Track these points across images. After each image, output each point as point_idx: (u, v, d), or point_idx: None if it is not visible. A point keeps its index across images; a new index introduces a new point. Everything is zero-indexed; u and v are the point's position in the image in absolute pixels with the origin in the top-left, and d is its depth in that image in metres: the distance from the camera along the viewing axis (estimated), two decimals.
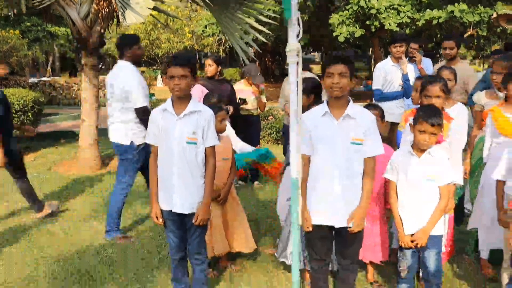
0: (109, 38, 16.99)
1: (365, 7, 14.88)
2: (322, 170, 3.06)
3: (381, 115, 3.64)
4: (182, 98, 3.25)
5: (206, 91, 5.58)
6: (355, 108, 3.05)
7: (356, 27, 15.53)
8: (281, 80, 25.62)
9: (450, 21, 15.03)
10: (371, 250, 3.68)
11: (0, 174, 6.31)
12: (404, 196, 3.17)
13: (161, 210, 3.36)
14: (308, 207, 3.10)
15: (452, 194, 3.31)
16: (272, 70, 29.44)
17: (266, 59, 30.49)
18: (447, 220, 3.66)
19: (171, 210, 3.32)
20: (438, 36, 18.54)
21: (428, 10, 15.28)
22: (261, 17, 8.99)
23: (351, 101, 3.06)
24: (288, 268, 3.86)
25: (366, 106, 3.52)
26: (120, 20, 6.63)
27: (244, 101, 6.43)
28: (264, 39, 9.82)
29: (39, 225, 5.34)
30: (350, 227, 3.05)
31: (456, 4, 14.66)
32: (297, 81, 2.48)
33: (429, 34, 19.05)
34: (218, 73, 6.28)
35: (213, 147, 3.32)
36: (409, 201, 3.16)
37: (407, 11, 15.25)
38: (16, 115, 8.64)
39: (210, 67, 6.22)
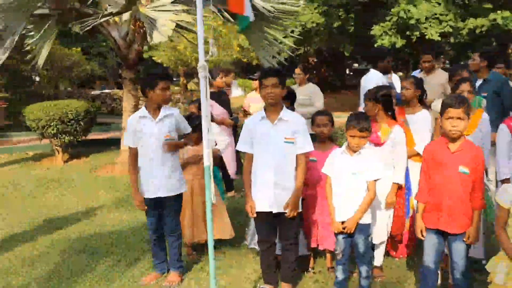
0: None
1: (405, 17, 15.07)
2: (261, 164, 3.69)
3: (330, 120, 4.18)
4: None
5: (214, 103, 6.23)
6: (288, 113, 3.66)
7: (398, 38, 15.72)
8: (339, 91, 25.90)
9: (494, 29, 14.89)
10: (327, 239, 4.19)
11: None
12: (337, 188, 3.69)
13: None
14: (253, 196, 3.73)
15: (374, 188, 3.72)
16: (329, 80, 29.58)
17: (323, 69, 30.96)
18: (391, 215, 4.13)
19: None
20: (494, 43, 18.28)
21: (471, 18, 15.21)
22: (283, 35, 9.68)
23: (284, 107, 3.67)
24: (256, 252, 4.45)
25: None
26: (148, 39, 7.49)
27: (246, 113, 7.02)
28: (290, 52, 10.46)
29: (69, 220, 6.24)
30: (286, 213, 3.64)
31: (498, 12, 14.53)
32: (205, 92, 3.14)
33: (483, 43, 18.76)
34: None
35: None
36: (340, 192, 3.67)
37: (449, 20, 15.26)
38: (70, 123, 9.76)
39: (222, 79, 6.83)
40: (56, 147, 10.12)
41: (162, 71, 4.46)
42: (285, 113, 3.67)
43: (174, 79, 30.51)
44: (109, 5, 7.28)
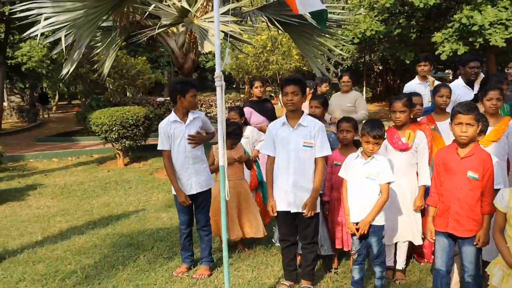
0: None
1: (468, 23, 14.70)
2: (281, 167, 3.94)
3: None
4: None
5: (254, 112, 6.47)
6: (307, 118, 3.88)
7: (460, 44, 15.33)
8: None
9: None
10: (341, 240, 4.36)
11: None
12: (352, 190, 3.86)
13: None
14: (274, 196, 3.98)
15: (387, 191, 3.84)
16: (394, 88, 29.06)
17: (388, 78, 30.51)
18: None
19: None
20: None
21: None
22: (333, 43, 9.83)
23: (304, 113, 3.89)
24: None
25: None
26: (199, 48, 7.93)
27: None
28: (340, 61, 10.54)
29: (123, 217, 6.75)
30: (304, 213, 3.86)
31: None
32: (221, 100, 3.41)
33: None
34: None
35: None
36: (355, 195, 3.83)
37: None
38: (130, 128, 10.43)
39: (256, 89, 6.92)
40: (118, 151, 10.83)
41: (191, 80, 4.79)
42: (304, 118, 3.89)
43: (241, 86, 31.29)
44: (164, 17, 7.78)
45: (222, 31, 7.71)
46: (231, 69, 18.29)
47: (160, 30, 7.93)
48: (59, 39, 7.70)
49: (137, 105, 13.43)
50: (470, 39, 15.16)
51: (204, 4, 8.61)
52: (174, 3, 8.06)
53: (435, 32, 16.11)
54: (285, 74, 17.49)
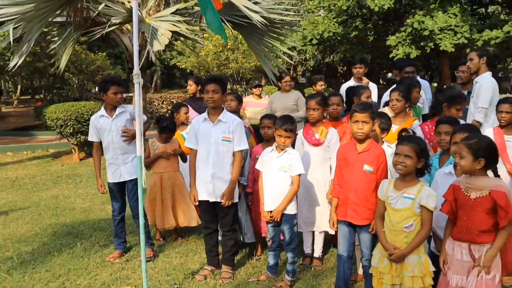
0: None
1: (419, 28, 15.32)
2: (202, 159, 4.26)
3: None
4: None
5: (190, 109, 6.73)
6: (227, 115, 4.21)
7: (412, 48, 15.96)
8: None
9: (509, 41, 14.94)
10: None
11: None
12: (266, 181, 4.19)
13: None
14: (196, 187, 4.30)
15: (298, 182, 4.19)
16: None
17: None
18: None
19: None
20: None
21: (486, 30, 15.30)
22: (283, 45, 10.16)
23: (224, 110, 4.22)
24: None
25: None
26: (148, 47, 8.16)
27: None
28: (289, 60, 10.92)
29: (68, 209, 6.94)
30: (222, 202, 4.19)
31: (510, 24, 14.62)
32: (139, 97, 3.71)
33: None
34: (198, 91, 7.21)
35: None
36: (269, 185, 4.16)
37: (464, 31, 15.40)
38: (85, 123, 10.52)
39: (191, 87, 7.16)
40: (73, 146, 10.95)
41: (113, 78, 5.04)
42: (224, 115, 4.23)
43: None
44: (114, 16, 7.97)
45: (170, 31, 8.01)
46: (192, 67, 18.51)
47: (111, 28, 8.11)
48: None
49: (99, 101, 13.52)
50: (422, 44, 15.81)
51: (157, 3, 8.86)
52: (123, 3, 8.26)
53: (390, 36, 16.71)
54: (245, 73, 17.82)
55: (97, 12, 8.48)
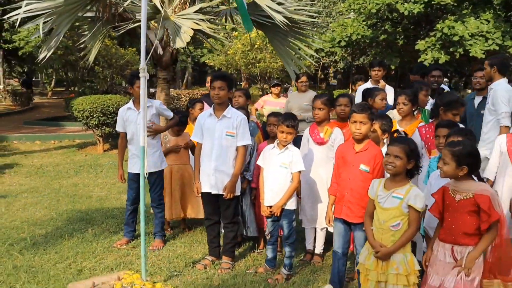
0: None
1: (449, 33, 15.11)
2: (206, 153, 4.39)
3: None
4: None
5: (206, 105, 6.90)
6: (231, 111, 4.33)
7: (441, 53, 15.74)
8: None
9: None
10: None
11: None
12: (267, 177, 4.29)
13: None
14: (200, 179, 4.43)
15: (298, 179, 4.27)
16: None
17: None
18: None
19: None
20: None
21: None
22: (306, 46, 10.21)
23: (229, 106, 4.34)
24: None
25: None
26: (171, 44, 8.36)
27: None
28: (313, 62, 10.95)
29: (85, 196, 7.20)
30: (223, 194, 4.31)
31: None
32: (144, 89, 3.86)
33: None
34: None
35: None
36: (269, 181, 4.26)
37: (496, 38, 15.12)
38: (110, 116, 10.86)
39: (209, 84, 7.43)
40: (98, 137, 11.28)
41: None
42: (229, 111, 4.35)
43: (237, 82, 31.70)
44: (137, 13, 8.20)
45: (193, 29, 8.19)
46: (221, 65, 18.71)
47: (135, 24, 8.35)
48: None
49: (128, 94, 13.86)
50: (451, 49, 15.58)
51: (183, 0, 9.06)
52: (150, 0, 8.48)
53: (419, 40, 16.53)
54: (272, 73, 17.92)
55: (121, 8, 8.75)
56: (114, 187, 7.73)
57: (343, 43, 17.69)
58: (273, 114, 4.91)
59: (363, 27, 17.36)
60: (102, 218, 5.93)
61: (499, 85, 5.28)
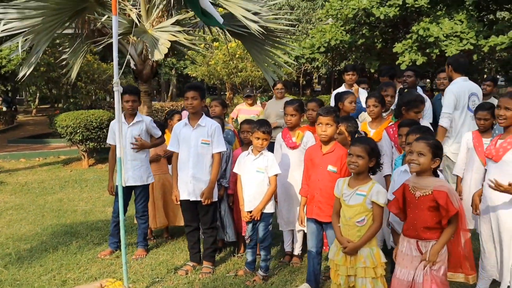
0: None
1: (424, 35, 15.46)
2: (183, 161, 4.54)
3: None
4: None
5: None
6: (206, 119, 4.50)
7: (418, 55, 16.08)
8: None
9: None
10: None
11: None
12: (245, 183, 4.45)
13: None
14: (178, 187, 4.58)
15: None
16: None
17: (365, 85, 31.29)
18: None
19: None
20: None
21: (493, 36, 15.36)
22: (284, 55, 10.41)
23: (203, 115, 4.50)
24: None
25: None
26: (149, 56, 8.53)
27: None
28: (291, 69, 11.17)
29: (70, 211, 7.29)
30: (202, 201, 4.46)
31: None
32: (118, 103, 4.01)
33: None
34: None
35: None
36: (248, 187, 4.42)
37: (470, 38, 15.48)
38: (94, 131, 10.96)
39: None
40: (82, 152, 11.36)
41: (126, 87, 5.33)
42: (203, 120, 4.51)
43: (222, 93, 31.92)
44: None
45: (170, 41, 8.35)
46: (203, 75, 18.91)
47: (112, 39, 8.48)
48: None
49: (112, 109, 13.94)
50: (428, 50, 15.92)
51: (160, 14, 9.23)
52: (129, 15, 8.64)
53: (396, 43, 16.87)
54: (254, 81, 18.12)
55: (98, 24, 8.90)
56: (99, 201, 7.83)
57: (322, 49, 18.02)
58: (246, 121, 5.08)
59: (341, 32, 17.69)
60: (87, 231, 6.03)
61: (452, 84, 5.55)
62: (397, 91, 5.77)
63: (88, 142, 11.05)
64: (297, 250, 4.94)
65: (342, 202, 3.45)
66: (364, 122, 5.05)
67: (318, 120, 3.95)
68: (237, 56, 17.47)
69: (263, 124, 4.35)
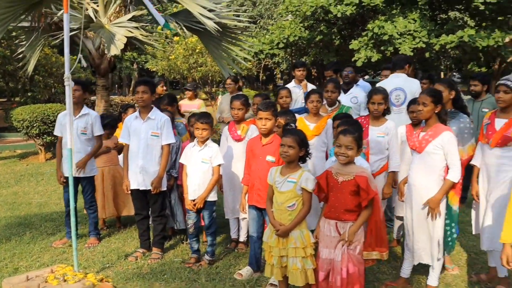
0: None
1: (379, 33, 15.98)
2: (134, 152, 4.78)
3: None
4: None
5: None
6: (156, 112, 4.73)
7: (374, 52, 16.61)
8: None
9: (463, 45, 15.67)
10: None
11: None
12: (190, 173, 4.70)
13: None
14: (129, 177, 4.80)
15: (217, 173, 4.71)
16: None
17: (324, 80, 31.95)
18: None
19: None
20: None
21: (443, 35, 16.02)
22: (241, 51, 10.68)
23: (154, 108, 4.74)
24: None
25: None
26: (106, 51, 8.64)
27: None
28: (247, 65, 11.44)
29: (25, 203, 7.37)
30: (151, 190, 4.70)
31: (465, 30, 15.36)
32: (69, 97, 4.20)
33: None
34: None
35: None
36: (192, 176, 4.67)
37: (422, 36, 16.09)
38: (51, 124, 10.93)
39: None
40: (39, 146, 11.35)
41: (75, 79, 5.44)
42: (153, 113, 4.75)
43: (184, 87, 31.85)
44: (73, 22, 8.44)
45: (126, 36, 8.50)
46: (164, 70, 18.94)
47: (70, 33, 8.56)
48: None
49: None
50: (382, 48, 16.46)
51: (118, 9, 9.34)
52: (86, 8, 8.73)
53: (353, 40, 17.36)
54: (215, 76, 18.30)
55: (54, 18, 8.95)
56: (55, 194, 7.93)
57: (281, 45, 18.35)
58: (193, 115, 5.32)
59: (300, 28, 18.06)
60: (41, 222, 6.17)
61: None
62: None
63: (45, 136, 11.05)
64: (243, 237, 5.22)
65: (274, 189, 3.74)
66: (301, 117, 5.32)
67: (258, 114, 4.24)
68: (197, 51, 17.60)
69: (201, 116, 4.60)
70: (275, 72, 30.23)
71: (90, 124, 5.28)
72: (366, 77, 30.40)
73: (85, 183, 5.33)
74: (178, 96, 9.70)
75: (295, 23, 18.43)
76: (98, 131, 5.34)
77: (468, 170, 4.59)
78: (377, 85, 5.87)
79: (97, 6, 9.02)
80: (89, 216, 5.46)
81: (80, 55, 4.41)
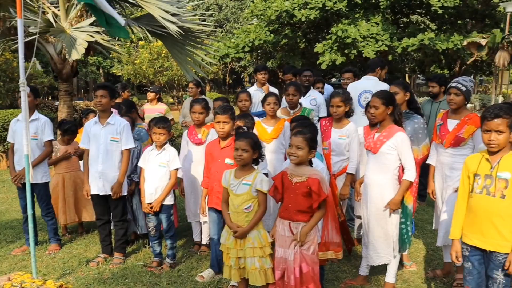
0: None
1: (343, 36, 16.30)
2: (93, 157, 4.78)
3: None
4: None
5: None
6: (115, 118, 4.75)
7: (338, 55, 16.93)
8: None
9: (424, 48, 16.15)
10: None
11: None
12: (147, 177, 4.72)
13: None
14: (89, 182, 4.80)
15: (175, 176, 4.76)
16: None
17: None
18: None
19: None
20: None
21: (405, 38, 16.46)
22: (204, 55, 10.72)
23: (113, 113, 4.75)
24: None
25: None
26: (67, 56, 8.56)
27: None
28: (211, 69, 11.50)
29: None
30: (111, 195, 4.71)
31: (425, 33, 15.84)
32: (25, 102, 4.18)
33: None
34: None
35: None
36: (150, 180, 4.69)
37: (385, 39, 16.49)
38: None
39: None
40: (0, 153, 11.12)
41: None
42: (112, 118, 4.77)
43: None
44: (29, 26, 8.34)
45: (87, 41, 8.44)
46: (129, 75, 18.83)
47: (29, 38, 8.46)
48: None
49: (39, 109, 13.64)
50: (346, 51, 16.79)
51: (79, 13, 9.27)
52: (47, 12, 8.63)
53: (317, 43, 17.65)
54: (181, 80, 18.29)
55: (14, 21, 8.81)
56: (16, 201, 7.74)
57: (247, 49, 18.53)
58: (152, 120, 5.34)
59: (265, 32, 18.26)
60: (0, 230, 6.08)
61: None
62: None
63: (6, 142, 10.83)
64: (205, 240, 5.27)
65: (230, 191, 3.81)
66: (258, 120, 5.39)
67: (216, 118, 4.31)
68: (162, 55, 17.56)
69: (158, 121, 4.65)
70: (242, 76, 30.32)
71: (40, 129, 5.24)
72: (333, 79, 30.92)
73: (38, 190, 5.24)
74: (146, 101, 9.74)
75: (260, 27, 18.62)
76: (48, 136, 5.27)
77: (424, 169, 4.78)
78: (348, 87, 6.02)
79: (58, 10, 8.95)
80: (47, 223, 5.40)
81: (34, 59, 4.38)
